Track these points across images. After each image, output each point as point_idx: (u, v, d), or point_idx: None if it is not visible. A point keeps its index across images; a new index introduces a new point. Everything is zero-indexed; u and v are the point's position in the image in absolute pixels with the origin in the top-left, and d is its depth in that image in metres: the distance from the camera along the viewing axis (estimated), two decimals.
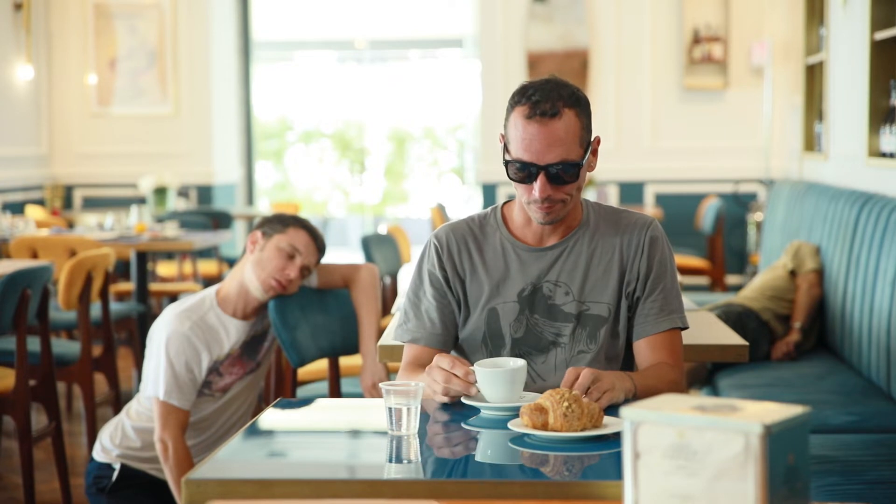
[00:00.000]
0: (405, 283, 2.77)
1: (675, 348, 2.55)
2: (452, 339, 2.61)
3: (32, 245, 5.67)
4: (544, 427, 2.04)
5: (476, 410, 2.24)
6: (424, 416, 2.12)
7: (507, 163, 2.48)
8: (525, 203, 2.49)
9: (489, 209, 2.66)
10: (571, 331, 2.52)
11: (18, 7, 8.58)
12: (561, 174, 2.42)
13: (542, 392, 2.23)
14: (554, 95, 2.44)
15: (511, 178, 2.47)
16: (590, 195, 7.66)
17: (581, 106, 2.47)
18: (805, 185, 6.06)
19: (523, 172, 2.44)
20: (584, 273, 2.54)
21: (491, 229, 2.60)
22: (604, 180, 8.37)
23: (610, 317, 2.53)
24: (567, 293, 2.53)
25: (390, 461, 2.00)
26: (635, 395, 2.34)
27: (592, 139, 2.51)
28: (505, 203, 2.64)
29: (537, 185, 2.42)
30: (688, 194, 8.76)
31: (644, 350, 2.54)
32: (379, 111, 13.36)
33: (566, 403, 2.03)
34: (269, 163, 13.67)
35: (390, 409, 2.04)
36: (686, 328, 2.57)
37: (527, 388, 2.36)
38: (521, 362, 2.27)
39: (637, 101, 8.75)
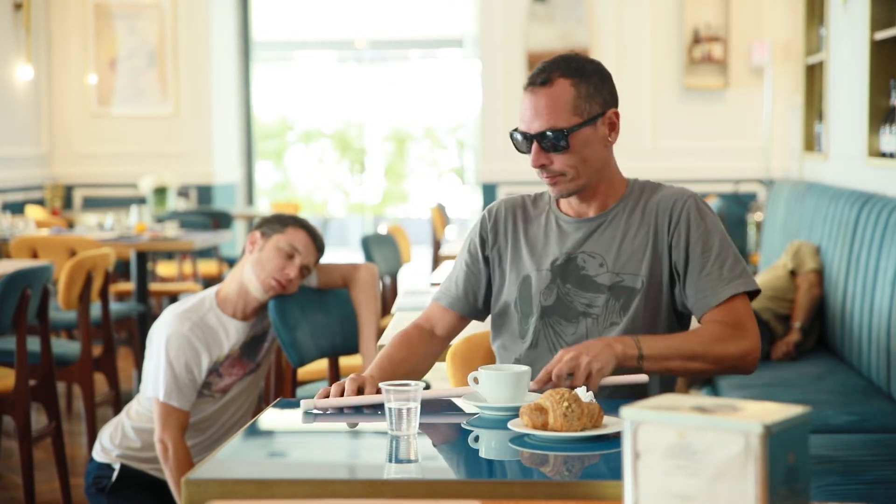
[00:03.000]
0: (405, 283, 2.77)
1: (737, 314, 2.45)
2: (471, 308, 2.63)
3: (32, 245, 5.68)
4: (544, 427, 2.04)
5: (477, 411, 2.24)
6: (424, 416, 2.12)
7: (511, 135, 2.50)
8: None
9: None
10: (605, 301, 2.49)
11: (18, 7, 8.58)
12: (550, 142, 2.43)
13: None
14: (552, 66, 2.46)
15: (516, 147, 2.50)
16: None
17: (583, 75, 2.48)
18: (805, 185, 6.06)
19: (519, 142, 2.48)
20: (619, 245, 2.51)
21: (543, 204, 2.63)
22: None
23: (642, 289, 2.49)
24: (602, 265, 2.51)
25: (390, 461, 1.99)
26: (641, 358, 2.33)
27: (608, 111, 2.51)
28: None
29: (531, 154, 2.45)
30: None
31: (709, 319, 2.48)
32: (379, 111, 13.36)
33: (566, 403, 2.03)
34: (269, 163, 13.68)
35: (390, 409, 2.04)
36: (755, 291, 2.48)
37: (552, 348, 2.43)
38: (524, 368, 2.27)
39: (637, 101, 8.75)
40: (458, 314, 2.64)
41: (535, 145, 2.44)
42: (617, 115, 2.54)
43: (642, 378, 2.33)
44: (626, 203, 2.56)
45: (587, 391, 2.13)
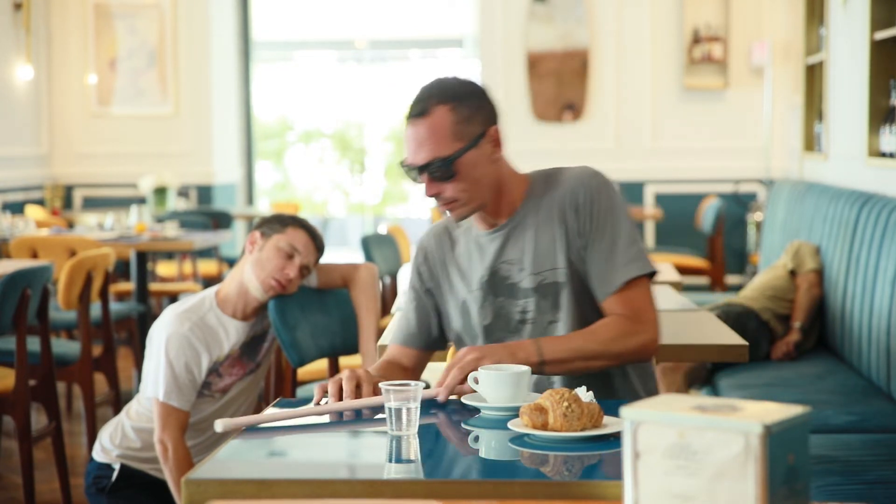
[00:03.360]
0: (405, 283, 2.77)
1: (634, 301, 2.45)
2: (428, 340, 2.63)
3: (32, 245, 5.68)
4: (544, 427, 2.04)
5: (476, 410, 2.24)
6: (424, 416, 2.12)
7: (401, 164, 2.48)
8: None
9: None
10: (535, 304, 2.47)
11: (18, 7, 8.58)
12: (437, 172, 2.40)
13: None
14: (427, 94, 2.44)
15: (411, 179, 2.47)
16: None
17: (460, 98, 2.43)
18: (805, 185, 6.06)
19: (410, 174, 2.45)
20: (533, 246, 2.48)
21: (464, 224, 2.59)
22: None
23: (567, 281, 2.46)
24: (521, 269, 2.48)
25: (390, 461, 1.99)
26: (542, 364, 2.35)
27: (489, 129, 2.45)
28: None
29: (424, 185, 2.43)
30: (688, 194, 8.76)
31: (609, 311, 2.46)
32: (379, 111, 13.36)
33: (566, 403, 2.03)
34: (269, 163, 13.68)
35: (390, 409, 2.04)
36: (649, 273, 2.46)
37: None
38: (524, 368, 2.27)
39: (637, 101, 8.75)
40: (418, 350, 2.63)
41: (424, 176, 2.41)
42: (498, 130, 2.48)
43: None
44: (529, 202, 2.52)
45: (587, 391, 2.13)
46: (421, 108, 2.42)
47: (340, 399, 2.28)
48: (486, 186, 2.45)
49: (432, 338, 2.63)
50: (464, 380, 2.29)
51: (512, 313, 2.50)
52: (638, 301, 2.44)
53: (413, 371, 2.64)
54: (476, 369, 2.26)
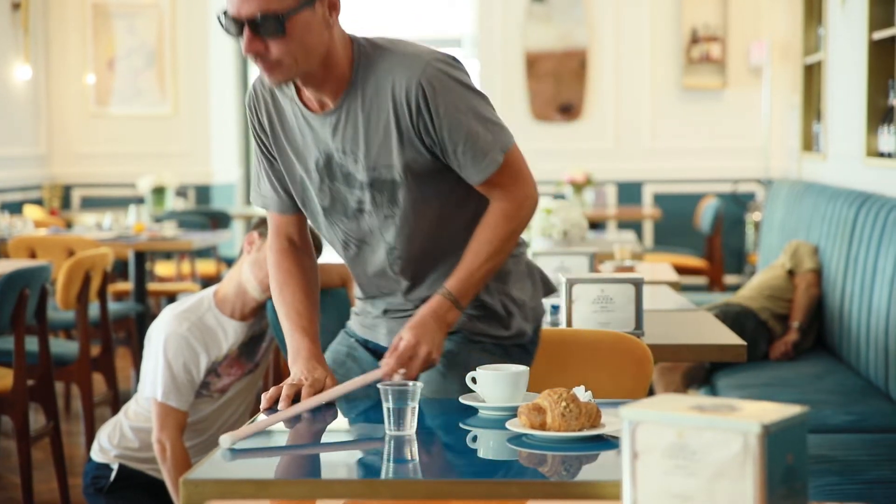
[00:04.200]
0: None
1: (505, 184, 2.37)
2: (290, 203, 2.52)
3: (31, 245, 5.68)
4: (542, 427, 2.04)
5: (474, 410, 2.24)
6: (422, 416, 2.12)
7: (218, 18, 2.24)
8: None
9: None
10: (371, 198, 2.37)
11: (16, 7, 8.57)
12: (263, 27, 2.16)
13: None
14: None
15: (227, 33, 2.24)
16: (588, 195, 7.67)
17: None
18: (803, 185, 6.06)
19: (227, 26, 2.21)
20: (364, 137, 2.32)
21: (288, 96, 2.40)
22: (602, 180, 8.37)
23: (402, 181, 2.34)
24: (356, 160, 2.34)
25: (388, 461, 1.99)
26: (460, 307, 2.35)
27: None
28: None
29: (243, 41, 2.19)
30: (686, 194, 8.77)
31: (483, 191, 2.39)
32: None
33: (564, 403, 2.03)
34: None
35: (388, 409, 2.04)
36: (508, 149, 2.35)
37: (347, 249, 2.44)
38: (523, 368, 2.27)
39: (635, 101, 8.75)
40: (296, 214, 2.54)
41: (247, 31, 2.17)
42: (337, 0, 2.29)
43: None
44: (355, 87, 2.32)
45: (585, 391, 2.13)
46: None
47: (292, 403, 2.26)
48: (315, 54, 2.24)
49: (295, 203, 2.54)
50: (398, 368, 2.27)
51: (349, 200, 2.40)
52: (508, 177, 2.37)
53: (304, 245, 2.58)
54: (423, 362, 2.28)
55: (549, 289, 2.61)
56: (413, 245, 2.42)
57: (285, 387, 2.27)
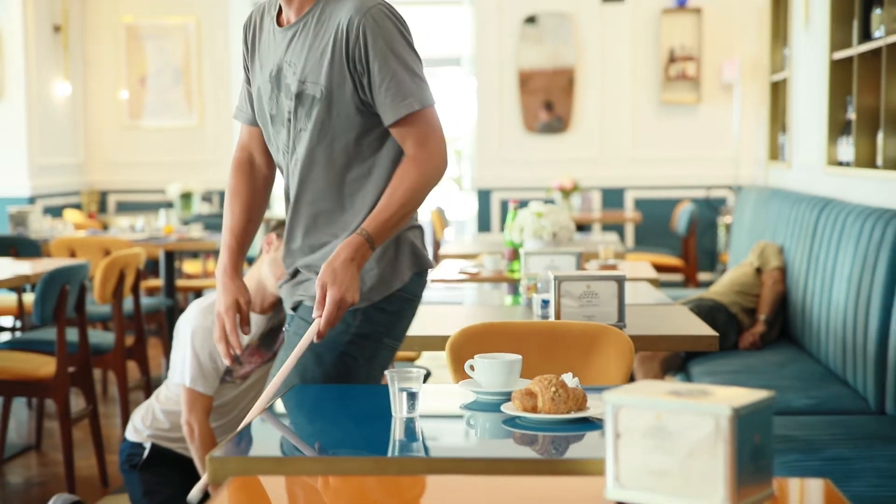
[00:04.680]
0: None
1: (418, 132, 2.38)
2: (254, 118, 2.56)
3: (71, 245, 5.68)
4: (534, 410, 2.04)
5: (472, 395, 2.25)
6: (425, 400, 2.13)
7: None
8: None
9: None
10: (294, 108, 2.39)
11: (57, 29, 8.57)
12: None
13: None
14: None
15: None
16: (575, 200, 7.67)
17: None
18: (770, 191, 6.06)
19: None
20: (307, 53, 2.37)
21: (270, 14, 2.49)
22: (588, 186, 8.37)
23: (322, 98, 2.35)
24: (295, 73, 2.38)
25: (395, 440, 2.00)
26: (373, 246, 2.33)
27: None
28: None
29: None
30: (664, 199, 8.76)
31: (396, 135, 2.40)
32: None
33: (553, 388, 2.04)
34: None
35: (394, 393, 2.05)
36: (427, 105, 2.37)
37: (278, 154, 2.45)
38: (517, 357, 2.27)
39: (618, 115, 8.75)
40: (260, 128, 2.56)
41: None
42: None
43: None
44: (315, 9, 2.39)
45: (573, 377, 2.13)
46: None
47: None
48: None
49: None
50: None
51: (283, 110, 2.42)
52: (422, 129, 2.38)
53: (264, 164, 2.60)
54: (343, 308, 2.28)
55: (422, 264, 2.53)
56: (310, 172, 2.42)
57: (226, 324, 2.45)
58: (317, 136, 2.38)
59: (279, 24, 2.44)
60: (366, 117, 2.39)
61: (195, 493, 2.03)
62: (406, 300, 2.49)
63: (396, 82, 2.33)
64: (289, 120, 2.41)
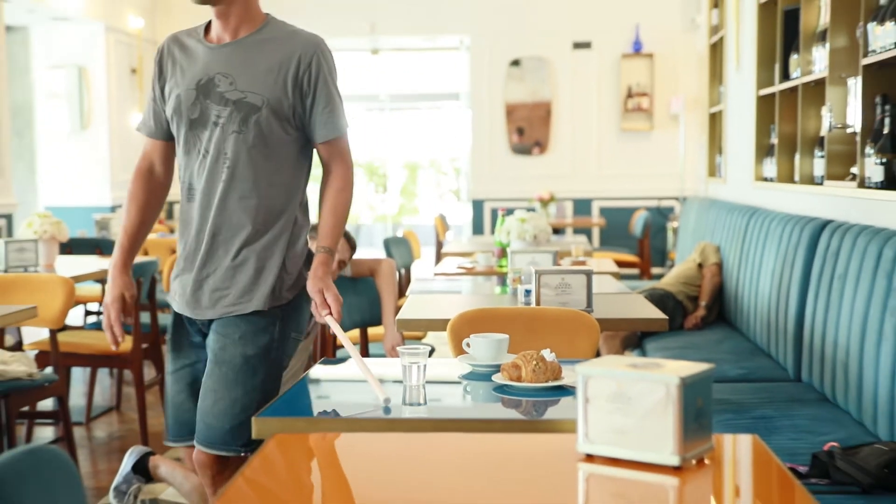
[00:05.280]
0: (416, 273, 2.75)
1: (342, 151, 2.39)
2: (166, 132, 2.42)
3: (144, 246, 5.67)
4: (518, 379, 2.03)
5: (468, 367, 2.24)
6: (430, 370, 2.12)
7: None
8: None
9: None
10: (229, 113, 2.28)
11: (133, 71, 8.58)
12: None
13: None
14: None
15: None
16: (551, 209, 7.66)
17: None
18: (709, 201, 6.05)
19: None
20: (248, 68, 2.28)
21: (194, 35, 2.37)
22: (562, 198, 8.36)
23: (263, 107, 2.28)
24: (232, 83, 2.28)
25: (404, 404, 1.99)
26: (333, 255, 2.32)
27: None
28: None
29: None
30: (623, 208, 8.75)
31: (324, 152, 2.38)
32: (396, 147, 13.34)
33: (534, 362, 2.03)
34: (317, 183, 13.62)
35: (405, 365, 2.04)
36: (348, 129, 2.40)
37: (196, 158, 2.32)
38: (504, 336, 2.26)
39: (586, 140, 8.74)
40: (160, 141, 2.44)
41: None
42: None
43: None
44: (260, 34, 2.32)
45: (550, 353, 2.12)
46: None
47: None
48: None
49: (166, 131, 2.43)
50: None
51: (211, 115, 2.30)
52: (345, 153, 2.40)
53: (164, 173, 2.48)
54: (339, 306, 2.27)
55: (306, 258, 2.45)
56: (239, 171, 2.30)
57: (112, 314, 2.38)
58: (251, 139, 2.29)
59: (208, 41, 2.35)
60: (292, 131, 2.34)
61: None
62: (301, 294, 2.40)
63: (333, 107, 2.33)
64: (215, 123, 2.29)
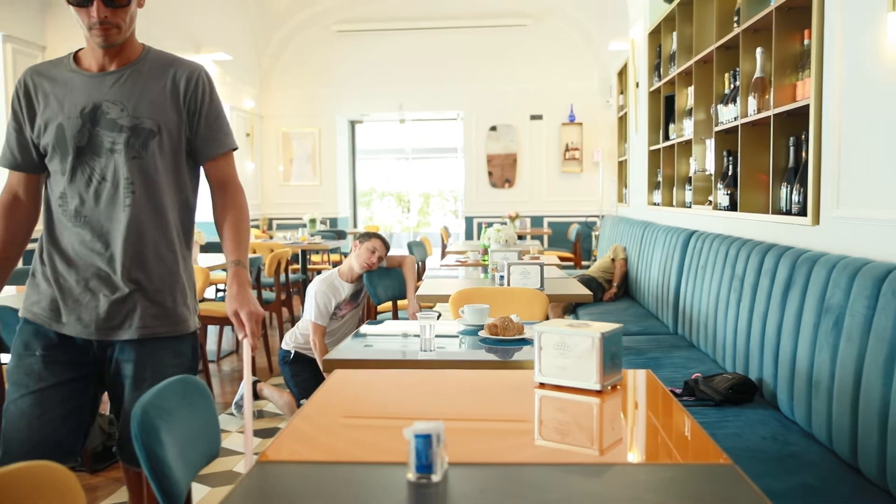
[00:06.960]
0: (429, 264, 2.72)
1: (231, 165, 1.70)
2: (31, 164, 1.65)
3: (253, 247, 5.63)
4: (496, 334, 2.01)
5: (463, 326, 2.22)
6: (438, 329, 2.10)
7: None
8: (87, 28, 1.56)
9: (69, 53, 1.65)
10: (126, 140, 1.58)
11: (248, 135, 8.55)
12: (116, 1, 1.55)
13: None
14: None
15: (71, 4, 1.54)
16: (517, 223, 7.63)
17: None
18: (619, 218, 6.02)
19: (82, 1, 1.54)
20: (139, 94, 1.60)
21: (63, 65, 1.63)
22: (524, 215, 8.34)
23: (159, 132, 1.60)
24: (123, 110, 1.58)
25: (421, 350, 1.97)
26: (249, 270, 1.68)
27: None
28: (79, 50, 1.66)
29: (94, 8, 1.54)
30: (564, 222, 8.72)
31: (212, 170, 1.68)
32: (416, 183, 13.30)
33: (506, 323, 2.01)
34: (364, 207, 13.60)
35: (421, 325, 2.02)
36: (236, 148, 1.69)
37: (89, 185, 1.58)
38: (486, 306, 2.24)
39: (539, 178, 8.70)
40: (25, 173, 1.66)
41: (99, 2, 1.54)
42: None
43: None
44: (142, 63, 1.63)
45: (516, 317, 2.10)
46: None
47: None
48: (132, 25, 1.61)
49: (34, 163, 1.65)
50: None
51: (104, 142, 1.58)
52: (232, 169, 1.70)
53: (29, 202, 1.67)
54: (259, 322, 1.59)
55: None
56: (141, 194, 1.60)
57: None
58: (152, 163, 1.60)
59: (84, 70, 1.63)
60: (186, 152, 1.66)
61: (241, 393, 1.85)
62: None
63: (221, 123, 1.67)
64: (111, 150, 1.58)
